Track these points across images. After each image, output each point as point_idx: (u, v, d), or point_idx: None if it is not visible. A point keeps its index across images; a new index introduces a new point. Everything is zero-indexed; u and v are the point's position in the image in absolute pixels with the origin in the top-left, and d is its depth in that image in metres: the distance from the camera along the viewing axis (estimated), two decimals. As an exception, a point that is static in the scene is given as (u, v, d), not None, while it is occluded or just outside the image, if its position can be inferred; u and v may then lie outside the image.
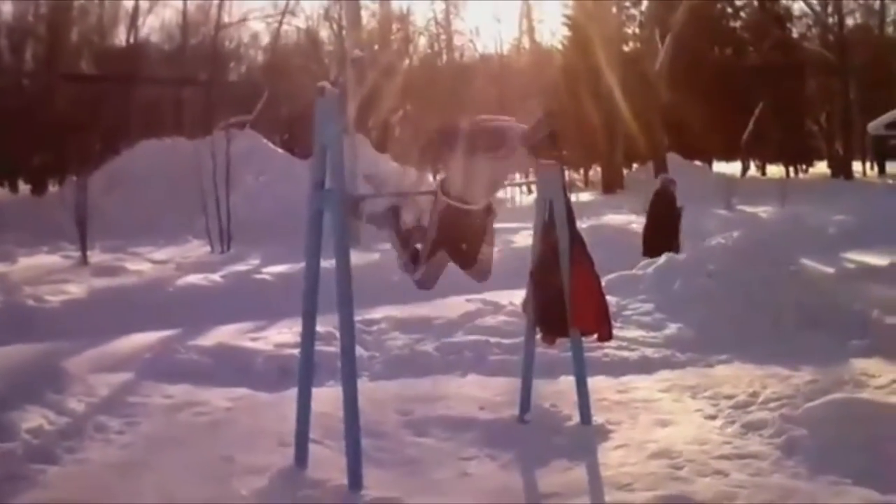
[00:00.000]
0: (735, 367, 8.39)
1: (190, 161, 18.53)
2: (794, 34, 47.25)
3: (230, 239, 17.69)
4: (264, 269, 14.21)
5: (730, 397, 7.17)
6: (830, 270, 14.36)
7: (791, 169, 49.49)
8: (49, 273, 14.21)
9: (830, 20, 45.43)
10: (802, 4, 46.39)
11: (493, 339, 9.15)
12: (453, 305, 10.87)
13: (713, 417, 6.82)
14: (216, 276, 13.51)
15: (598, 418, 6.66)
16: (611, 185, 36.38)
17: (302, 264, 6.03)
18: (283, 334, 9.55)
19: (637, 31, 43.02)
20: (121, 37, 43.22)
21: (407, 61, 43.89)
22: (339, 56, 31.25)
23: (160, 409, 7.28)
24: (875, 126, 12.16)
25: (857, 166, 47.36)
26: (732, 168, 46.51)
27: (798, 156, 49.28)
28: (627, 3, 43.37)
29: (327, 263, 5.45)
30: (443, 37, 48.22)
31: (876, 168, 50.61)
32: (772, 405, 6.79)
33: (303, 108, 20.81)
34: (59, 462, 6.01)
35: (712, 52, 44.19)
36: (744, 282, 10.23)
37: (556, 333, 6.53)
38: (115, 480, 5.67)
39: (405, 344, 9.36)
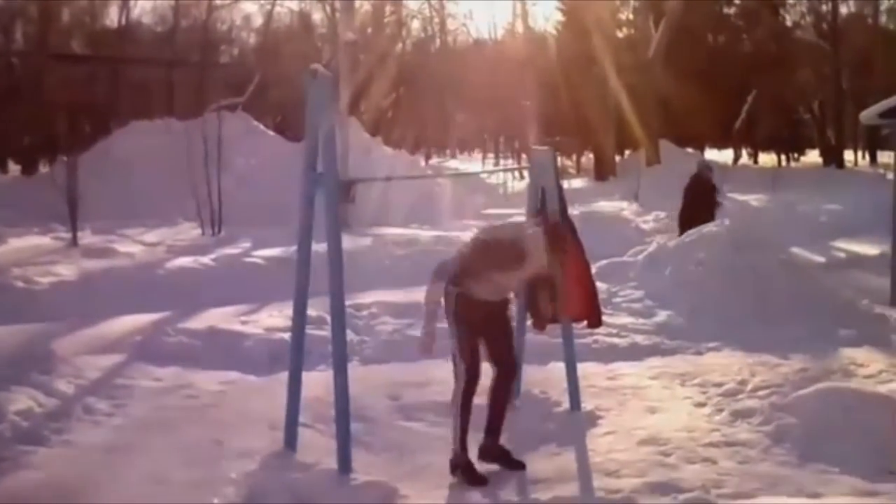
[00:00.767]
0: (724, 355, 8.42)
1: (181, 143, 18.43)
2: (788, 22, 47.21)
3: (221, 221, 17.64)
4: (255, 253, 14.18)
5: (719, 385, 7.19)
6: (821, 259, 14.44)
7: (783, 157, 49.50)
8: (39, 254, 14.15)
9: (824, 8, 45.38)
10: (797, -8, 46.39)
11: (483, 325, 9.15)
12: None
13: (702, 405, 6.84)
14: (207, 259, 13.47)
15: (587, 405, 6.68)
16: (603, 172, 36.34)
17: (293, 248, 6.01)
18: (274, 318, 9.54)
19: (631, 16, 42.83)
20: (112, 18, 42.97)
21: (400, 45, 43.74)
22: (332, 39, 31.08)
23: (149, 392, 7.27)
24: (868, 115, 12.16)
25: (848, 155, 47.41)
26: (724, 156, 46.51)
27: (790, 144, 49.30)
28: (621, -11, 43.25)
29: (319, 247, 5.43)
30: (436, 20, 48.06)
31: (867, 157, 50.69)
32: (761, 393, 6.81)
33: (295, 91, 20.70)
34: (47, 443, 6.01)
35: (706, 39, 44.08)
36: (734, 270, 10.26)
37: (547, 319, 6.53)
38: (104, 462, 5.67)
39: (396, 328, 9.37)
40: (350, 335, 8.03)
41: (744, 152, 50.35)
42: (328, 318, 5.77)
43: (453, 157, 57.26)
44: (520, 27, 44.29)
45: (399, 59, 40.76)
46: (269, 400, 6.42)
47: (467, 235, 16.78)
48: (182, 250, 14.70)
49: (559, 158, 7.12)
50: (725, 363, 7.97)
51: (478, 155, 59.62)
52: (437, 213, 20.55)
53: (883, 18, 46.97)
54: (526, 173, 7.16)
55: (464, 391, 5.43)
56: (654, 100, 34.71)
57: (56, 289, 11.56)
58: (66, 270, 12.43)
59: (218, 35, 44.34)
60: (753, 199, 25.29)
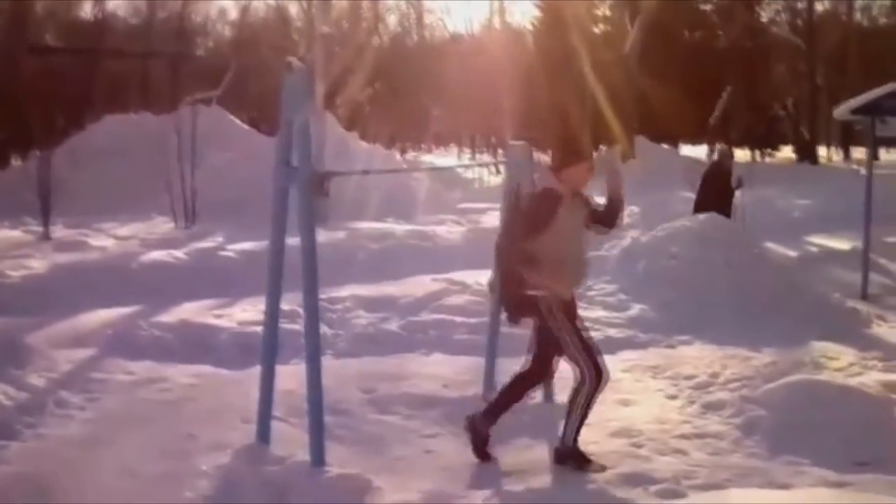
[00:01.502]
0: (696, 348, 8.48)
1: (155, 136, 18.33)
2: (764, 18, 47.48)
3: (195, 215, 17.56)
4: (229, 247, 14.11)
5: (690, 378, 7.25)
6: (793, 254, 14.53)
7: (757, 153, 49.78)
8: (11, 248, 14.03)
9: (800, 5, 45.71)
10: (772, -12, 46.66)
11: (458, 319, 9.18)
12: (419, 284, 10.87)
13: (674, 397, 6.90)
14: (180, 253, 13.40)
15: (560, 397, 6.69)
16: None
17: (266, 242, 6.00)
18: (247, 312, 9.52)
19: (608, 12, 42.96)
20: (87, 10, 42.72)
21: (377, 39, 43.68)
22: (308, 32, 31.01)
23: (122, 386, 7.24)
24: (841, 112, 12.24)
25: (822, 151, 47.74)
26: (699, 151, 46.70)
27: (764, 140, 49.57)
28: (597, -15, 43.34)
29: (293, 241, 5.42)
30: (413, 15, 48.07)
31: (841, 153, 51.06)
32: (732, 386, 6.87)
33: (270, 85, 20.59)
34: (19, 437, 5.97)
35: (682, 35, 44.25)
36: (707, 264, 10.32)
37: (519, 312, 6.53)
38: (76, 456, 5.65)
39: (370, 322, 9.37)
40: (324, 329, 8.03)
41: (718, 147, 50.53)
42: (302, 312, 5.76)
43: (429, 151, 57.26)
44: (497, 23, 44.36)
45: (376, 53, 40.70)
46: (242, 393, 6.40)
47: (442, 230, 16.92)
48: (155, 244, 14.61)
49: (535, 154, 7.12)
50: (697, 356, 8.03)
51: (454, 150, 59.67)
52: (413, 208, 20.52)
53: (857, 15, 47.39)
54: (502, 168, 7.14)
55: (593, 392, 5.45)
56: (630, 96, 34.84)
57: (28, 282, 11.46)
58: (39, 264, 12.34)
59: (193, 27, 44.13)
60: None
